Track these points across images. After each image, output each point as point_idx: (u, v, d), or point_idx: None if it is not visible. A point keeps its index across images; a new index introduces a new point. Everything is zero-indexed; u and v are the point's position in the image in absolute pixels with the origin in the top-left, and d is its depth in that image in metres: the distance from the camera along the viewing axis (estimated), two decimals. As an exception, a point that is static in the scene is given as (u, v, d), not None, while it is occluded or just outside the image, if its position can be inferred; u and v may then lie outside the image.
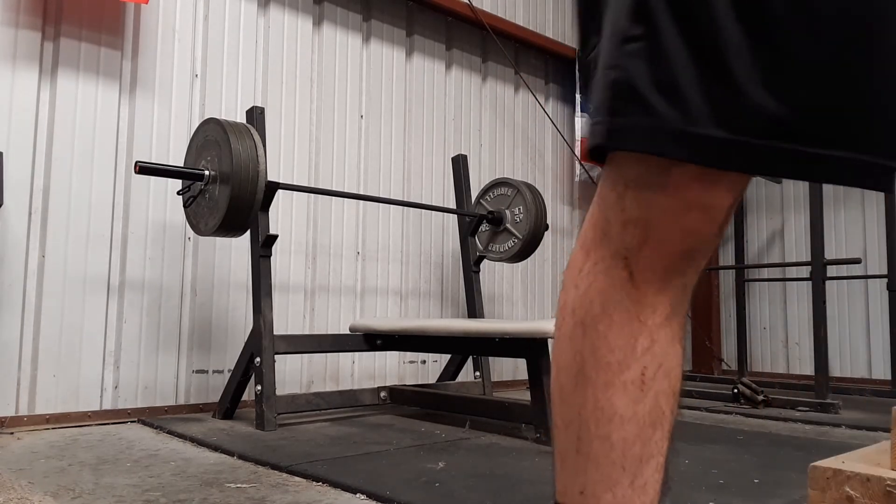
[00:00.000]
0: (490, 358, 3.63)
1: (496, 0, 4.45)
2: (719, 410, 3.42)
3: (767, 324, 5.37)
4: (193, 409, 3.01)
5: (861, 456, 1.28)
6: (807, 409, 3.44)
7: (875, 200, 4.83)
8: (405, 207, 3.85)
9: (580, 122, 4.72)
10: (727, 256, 5.64)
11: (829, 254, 4.44)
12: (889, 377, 4.32)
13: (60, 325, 2.72)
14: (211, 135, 2.62)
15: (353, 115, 3.74)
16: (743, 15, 0.57)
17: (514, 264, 4.26)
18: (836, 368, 4.90)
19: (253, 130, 2.62)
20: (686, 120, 0.58)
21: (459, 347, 3.18)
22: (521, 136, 4.62)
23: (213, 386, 3.08)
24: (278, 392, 2.72)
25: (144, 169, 2.52)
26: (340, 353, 3.51)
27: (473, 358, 3.55)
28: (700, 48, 0.58)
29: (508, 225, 3.67)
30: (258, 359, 2.66)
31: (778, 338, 5.32)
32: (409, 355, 3.83)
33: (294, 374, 3.36)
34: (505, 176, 4.13)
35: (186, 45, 3.15)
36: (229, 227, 2.57)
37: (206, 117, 2.98)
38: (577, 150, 4.69)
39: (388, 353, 3.70)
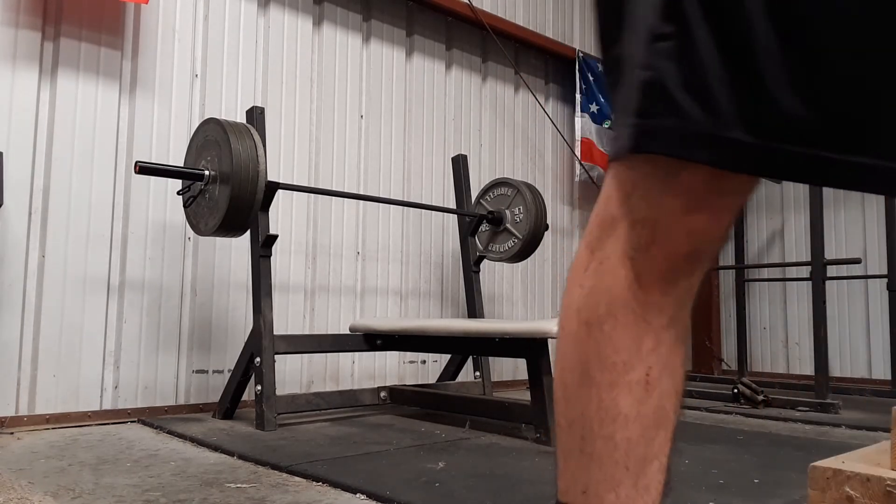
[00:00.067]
0: (490, 358, 3.63)
1: (496, 0, 4.45)
2: (719, 410, 3.42)
3: (767, 324, 5.37)
4: (193, 409, 3.01)
5: (861, 456, 1.28)
6: (807, 409, 3.44)
7: (875, 200, 4.83)
8: (405, 207, 3.85)
9: (580, 122, 4.72)
10: (727, 256, 5.64)
11: (829, 254, 4.44)
12: (889, 377, 4.32)
13: (60, 325, 2.72)
14: (211, 135, 2.62)
15: (353, 115, 3.74)
16: (776, 15, 0.56)
17: (514, 264, 4.26)
18: (836, 368, 4.90)
19: (253, 130, 2.62)
20: (715, 123, 0.57)
21: (459, 347, 3.18)
22: (521, 136, 4.62)
23: (213, 386, 3.08)
24: (278, 392, 2.72)
25: (144, 169, 2.52)
26: (340, 353, 3.51)
27: (473, 358, 3.55)
28: (731, 49, 0.57)
29: (508, 225, 3.67)
30: (258, 359, 2.66)
31: (778, 338, 5.32)
32: (409, 355, 3.83)
33: (294, 374, 3.36)
34: (505, 176, 4.13)
35: (186, 45, 3.15)
36: (229, 227, 2.57)
37: (206, 117, 2.99)
38: (578, 150, 4.69)
39: (388, 353, 3.70)
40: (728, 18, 0.57)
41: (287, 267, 3.39)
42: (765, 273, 5.32)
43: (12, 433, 2.50)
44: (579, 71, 4.76)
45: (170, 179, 2.90)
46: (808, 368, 4.82)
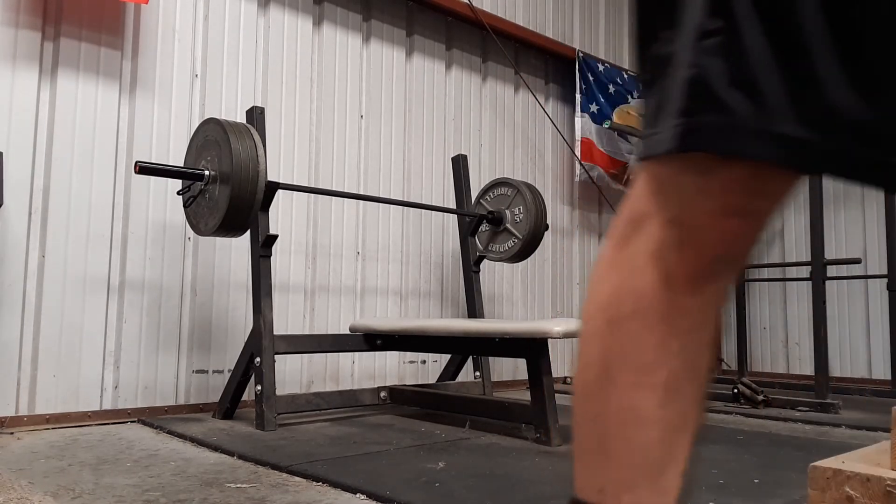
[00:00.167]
0: (490, 358, 3.63)
1: (496, 0, 4.45)
2: (719, 410, 3.42)
3: (767, 324, 5.37)
4: (193, 409, 3.01)
5: (861, 456, 1.28)
6: (807, 409, 3.44)
7: (875, 200, 4.83)
8: (405, 207, 3.85)
9: (580, 122, 4.72)
10: (727, 256, 5.63)
11: (829, 254, 4.44)
12: (889, 377, 4.32)
13: (60, 325, 2.72)
14: (211, 135, 2.62)
15: (353, 115, 3.74)
16: (830, 9, 0.54)
17: (514, 264, 4.26)
18: (836, 368, 4.90)
19: (253, 130, 2.62)
20: (765, 118, 0.56)
21: (459, 347, 3.18)
22: (521, 136, 4.62)
23: (213, 386, 3.08)
24: (278, 392, 2.72)
25: (144, 169, 2.52)
26: (340, 353, 3.51)
27: (473, 358, 3.55)
28: (783, 43, 0.55)
29: (508, 225, 3.67)
30: (258, 359, 2.66)
31: (778, 338, 5.32)
32: (409, 355, 3.83)
33: (294, 374, 3.36)
34: (505, 176, 4.13)
35: (186, 45, 3.15)
36: (229, 227, 2.57)
37: (206, 117, 2.98)
38: (577, 150, 4.69)
39: (388, 353, 3.70)
40: (779, 12, 0.55)
41: (287, 267, 3.39)
42: (765, 273, 5.32)
43: (12, 433, 2.50)
44: (579, 71, 4.76)
45: (170, 179, 2.90)
46: (808, 368, 4.82)
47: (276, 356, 2.73)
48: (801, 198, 5.24)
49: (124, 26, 2.98)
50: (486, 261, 3.81)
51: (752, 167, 0.58)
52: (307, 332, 3.41)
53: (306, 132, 3.53)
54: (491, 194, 3.77)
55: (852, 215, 4.99)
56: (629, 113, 5.00)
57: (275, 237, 2.75)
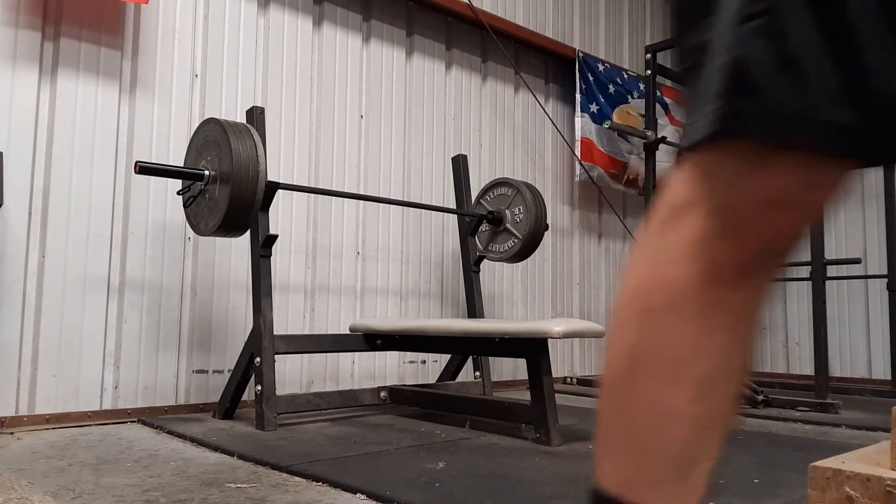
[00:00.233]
0: (490, 358, 3.63)
1: (496, 0, 4.45)
2: (719, 410, 3.41)
3: (767, 324, 5.37)
4: (193, 409, 3.01)
5: (861, 456, 1.28)
6: (807, 409, 3.44)
7: (875, 200, 4.83)
8: (405, 207, 3.85)
9: (580, 122, 4.72)
10: (727, 256, 5.63)
11: (829, 254, 4.44)
12: (889, 377, 4.32)
13: (60, 325, 2.72)
14: (211, 135, 2.62)
15: (353, 115, 3.74)
16: None
17: (514, 264, 4.26)
18: (836, 368, 4.90)
19: (253, 130, 2.62)
20: (812, 104, 0.53)
21: (459, 347, 3.18)
22: (521, 136, 4.62)
23: (213, 386, 3.08)
24: (278, 392, 2.72)
25: (144, 169, 2.52)
26: (340, 353, 3.51)
27: (473, 358, 3.55)
28: (829, 25, 0.53)
29: (508, 225, 3.67)
30: (258, 359, 2.66)
31: (778, 338, 5.32)
32: (409, 355, 3.83)
33: (294, 374, 3.36)
34: (505, 176, 4.13)
35: (186, 45, 3.15)
36: (229, 227, 2.57)
37: (206, 117, 2.98)
38: (578, 150, 4.69)
39: (388, 353, 3.70)
40: None
41: (287, 267, 3.39)
42: (765, 273, 5.31)
43: (12, 433, 2.50)
44: (579, 71, 4.76)
45: (170, 179, 2.90)
46: (808, 368, 4.82)
47: (276, 356, 2.73)
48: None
49: (124, 26, 2.98)
50: (486, 261, 3.81)
51: (799, 156, 0.55)
52: (307, 332, 3.41)
53: (306, 132, 3.53)
54: (491, 194, 3.77)
55: (852, 215, 4.99)
56: (629, 113, 5.00)
57: (275, 237, 2.75)
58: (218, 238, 3.11)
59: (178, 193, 2.76)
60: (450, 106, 4.21)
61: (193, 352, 3.06)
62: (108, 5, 2.91)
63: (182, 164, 2.81)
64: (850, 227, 4.99)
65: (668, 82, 5.37)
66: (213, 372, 3.11)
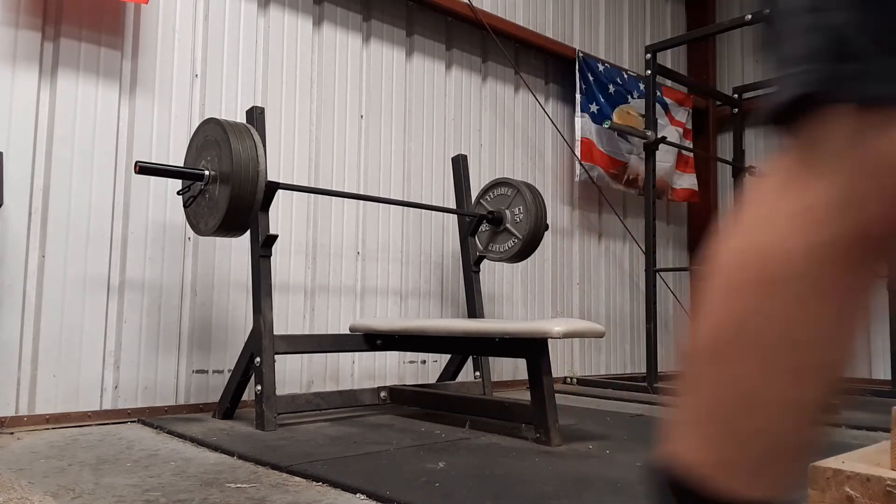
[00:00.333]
0: (490, 358, 3.63)
1: (496, 0, 4.45)
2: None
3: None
4: (193, 409, 3.01)
5: (861, 456, 1.28)
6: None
7: (875, 200, 4.83)
8: (405, 207, 3.85)
9: (580, 122, 4.72)
10: (727, 256, 5.62)
11: (829, 254, 4.43)
12: (889, 377, 4.32)
13: (60, 325, 2.72)
14: (211, 135, 2.62)
15: (353, 115, 3.74)
16: None
17: (514, 264, 4.26)
18: (836, 368, 4.90)
19: (253, 130, 2.62)
20: None
21: (459, 347, 3.18)
22: (521, 136, 4.62)
23: (213, 386, 3.08)
24: (278, 392, 2.72)
25: (144, 169, 2.52)
26: (340, 353, 3.51)
27: (473, 358, 3.55)
28: None
29: (508, 225, 3.67)
30: (258, 359, 2.66)
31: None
32: (409, 355, 3.83)
33: (294, 374, 3.36)
34: (505, 176, 4.13)
35: (186, 45, 3.15)
36: (229, 227, 2.57)
37: (206, 117, 2.99)
38: (578, 151, 4.69)
39: (388, 353, 3.70)
40: None
41: (287, 267, 3.39)
42: (765, 273, 5.31)
43: (12, 433, 2.50)
44: (579, 71, 4.76)
45: (170, 179, 2.90)
46: (808, 368, 4.81)
47: (276, 356, 2.73)
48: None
49: (124, 26, 2.98)
50: (486, 261, 3.81)
51: None
52: (307, 332, 3.41)
53: (306, 132, 3.53)
54: (491, 194, 3.77)
55: (852, 215, 4.98)
56: (629, 113, 5.00)
57: (275, 237, 2.75)
58: (218, 238, 3.11)
59: (178, 193, 2.76)
60: (450, 106, 4.21)
61: (193, 352, 3.06)
62: (108, 5, 2.91)
63: (182, 164, 2.81)
64: (850, 227, 4.99)
65: (668, 82, 5.37)
66: (213, 372, 3.11)
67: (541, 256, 4.52)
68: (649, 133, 4.37)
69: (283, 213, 3.38)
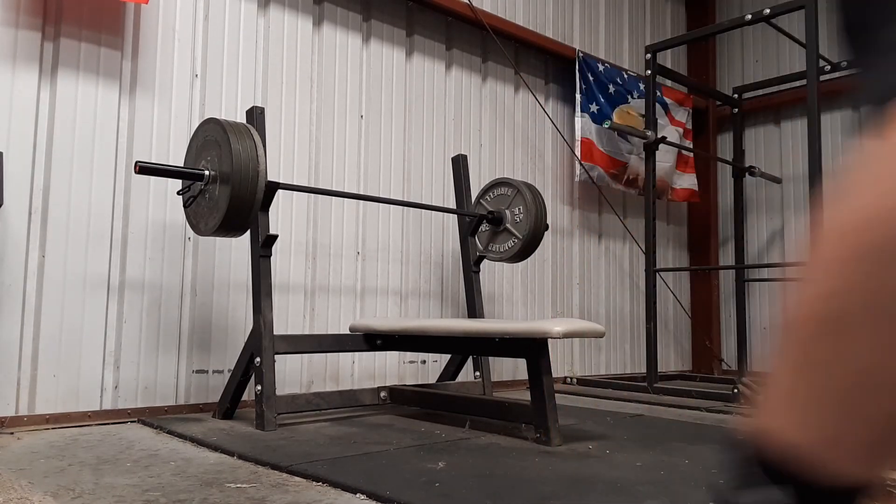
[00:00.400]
0: (490, 358, 3.63)
1: (496, 0, 4.45)
2: (719, 410, 3.42)
3: (767, 324, 5.37)
4: (193, 409, 3.01)
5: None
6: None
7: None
8: (405, 207, 3.85)
9: (580, 122, 4.72)
10: (727, 256, 5.64)
11: (829, 254, 4.42)
12: None
13: (60, 325, 2.72)
14: (211, 135, 2.62)
15: (353, 115, 3.74)
16: None
17: (514, 264, 4.26)
18: (836, 368, 4.89)
19: (253, 130, 2.62)
20: None
21: (459, 347, 3.18)
22: (521, 136, 4.62)
23: (213, 386, 3.08)
24: (278, 392, 2.72)
25: (144, 169, 2.52)
26: (340, 353, 3.51)
27: (473, 358, 3.55)
28: None
29: (508, 225, 3.67)
30: (258, 359, 2.66)
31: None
32: (409, 355, 3.83)
33: (294, 374, 3.36)
34: (505, 176, 4.13)
35: (186, 45, 3.15)
36: (229, 227, 2.57)
37: (206, 117, 2.99)
38: (578, 151, 4.69)
39: (388, 353, 3.70)
40: None
41: (287, 267, 3.39)
42: (765, 273, 5.32)
43: (12, 433, 2.50)
44: (579, 71, 4.76)
45: (170, 179, 2.90)
46: (808, 368, 4.80)
47: (276, 356, 2.73)
48: (801, 198, 5.25)
49: (124, 26, 2.98)
50: (486, 261, 3.81)
51: None
52: (307, 332, 3.41)
53: (306, 132, 3.53)
54: (491, 194, 3.77)
55: (852, 215, 4.98)
56: (629, 113, 5.00)
57: (275, 237, 2.75)
58: (218, 238, 3.10)
59: (178, 193, 2.76)
60: (450, 106, 4.21)
61: (193, 352, 3.06)
62: (108, 5, 2.91)
63: (182, 164, 2.81)
64: (850, 227, 4.98)
65: (668, 82, 5.38)
66: (213, 372, 3.11)
67: (541, 256, 4.52)
68: (649, 133, 4.38)
69: (283, 213, 3.38)
